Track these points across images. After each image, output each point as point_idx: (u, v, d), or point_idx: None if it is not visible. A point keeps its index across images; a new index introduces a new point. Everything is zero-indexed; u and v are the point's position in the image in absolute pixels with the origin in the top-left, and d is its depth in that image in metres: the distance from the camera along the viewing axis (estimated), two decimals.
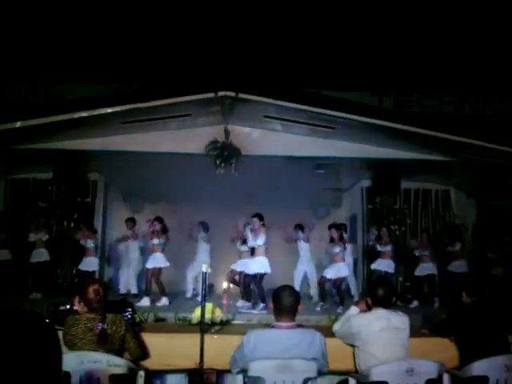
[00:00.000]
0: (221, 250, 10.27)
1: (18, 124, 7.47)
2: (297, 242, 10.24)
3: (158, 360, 4.39)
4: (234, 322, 5.88)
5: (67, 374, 3.29)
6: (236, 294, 9.37)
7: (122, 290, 10.39)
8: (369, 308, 4.18)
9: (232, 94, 7.37)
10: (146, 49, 12.52)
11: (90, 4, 12.22)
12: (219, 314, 5.34)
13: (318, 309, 8.61)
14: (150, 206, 11.70)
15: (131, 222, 10.30)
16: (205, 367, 4.24)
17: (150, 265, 9.13)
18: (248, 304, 8.64)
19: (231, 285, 9.47)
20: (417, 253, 10.03)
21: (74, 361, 3.38)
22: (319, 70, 12.38)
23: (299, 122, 8.15)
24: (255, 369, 3.40)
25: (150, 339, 4.47)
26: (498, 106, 12.59)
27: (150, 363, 4.27)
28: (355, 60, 12.70)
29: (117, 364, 3.52)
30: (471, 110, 12.59)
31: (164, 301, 8.87)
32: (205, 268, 4.28)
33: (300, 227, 10.23)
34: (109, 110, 7.50)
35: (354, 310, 4.42)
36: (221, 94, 7.38)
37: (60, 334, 3.41)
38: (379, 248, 9.73)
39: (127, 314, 4.93)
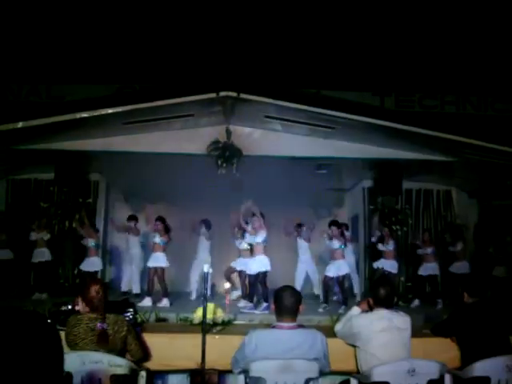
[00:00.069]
0: (222, 250, 10.27)
1: (20, 124, 7.47)
2: (297, 240, 10.26)
3: (159, 360, 4.39)
4: (236, 322, 5.89)
5: (69, 375, 3.29)
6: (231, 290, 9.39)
7: (124, 288, 10.40)
8: (370, 308, 4.18)
9: (233, 94, 7.37)
10: (148, 49, 12.53)
11: (91, 5, 12.23)
12: (221, 315, 5.34)
13: (321, 310, 8.60)
14: (152, 207, 11.70)
15: (133, 218, 10.35)
16: (206, 367, 4.23)
17: (151, 264, 9.15)
18: (250, 304, 8.64)
19: (228, 284, 9.48)
20: (419, 252, 10.04)
21: (75, 361, 3.39)
22: (320, 70, 12.38)
23: (300, 122, 8.16)
24: (257, 369, 3.40)
25: (152, 339, 4.47)
26: (499, 106, 12.57)
27: (151, 363, 4.28)
28: (356, 60, 12.69)
29: (118, 364, 3.52)
30: (473, 110, 12.58)
31: (165, 302, 8.85)
32: (206, 268, 4.27)
33: (300, 226, 10.26)
34: (110, 111, 7.51)
35: (355, 310, 4.43)
36: (222, 94, 7.38)
37: (62, 334, 3.42)
38: (381, 248, 9.72)
39: (129, 314, 4.93)
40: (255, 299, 8.78)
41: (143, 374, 3.70)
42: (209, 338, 4.32)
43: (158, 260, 9.11)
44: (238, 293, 9.90)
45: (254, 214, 8.79)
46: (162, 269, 9.12)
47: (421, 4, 12.42)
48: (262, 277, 8.67)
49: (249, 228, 8.89)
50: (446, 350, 4.48)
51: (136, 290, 10.09)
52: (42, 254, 9.89)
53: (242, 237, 9.34)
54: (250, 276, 8.93)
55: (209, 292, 9.41)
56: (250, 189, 9.55)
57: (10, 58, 12.06)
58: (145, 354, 4.11)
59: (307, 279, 10.31)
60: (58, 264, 10.40)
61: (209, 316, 4.78)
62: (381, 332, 3.86)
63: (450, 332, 4.51)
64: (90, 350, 3.59)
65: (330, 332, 4.32)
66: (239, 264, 9.37)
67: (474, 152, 8.05)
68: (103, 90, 11.17)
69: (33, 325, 1.26)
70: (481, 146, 7.79)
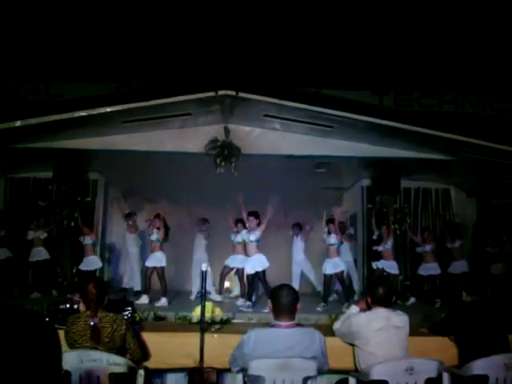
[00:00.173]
0: (221, 250, 10.26)
1: (19, 123, 7.47)
2: (293, 240, 10.30)
3: (157, 359, 4.39)
4: (234, 320, 5.89)
5: (67, 373, 3.30)
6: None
7: (125, 286, 10.43)
8: (369, 307, 4.19)
9: (232, 92, 7.37)
10: (146, 48, 12.51)
11: (90, 3, 12.22)
12: (219, 313, 5.34)
13: (319, 309, 8.60)
14: (150, 206, 11.72)
15: (131, 216, 10.37)
16: (205, 366, 4.25)
17: (149, 263, 9.14)
18: (248, 303, 8.65)
19: (227, 282, 9.50)
20: (418, 250, 10.04)
21: (73, 359, 3.39)
22: (319, 68, 12.37)
23: (299, 120, 8.16)
24: (255, 368, 3.40)
25: (150, 338, 4.48)
26: (498, 105, 12.57)
27: (149, 362, 4.27)
28: (355, 59, 12.69)
29: (117, 363, 3.52)
30: (471, 109, 12.58)
31: (163, 301, 8.84)
32: (204, 267, 4.28)
33: (298, 226, 10.28)
34: (109, 109, 7.51)
35: (354, 309, 4.44)
36: (221, 92, 7.39)
37: (60, 333, 3.42)
38: (380, 248, 9.72)
39: (127, 312, 4.93)
40: (254, 298, 8.81)
41: (141, 372, 3.70)
42: (207, 336, 4.34)
43: (157, 259, 9.10)
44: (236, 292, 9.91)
45: (249, 214, 8.85)
46: (162, 267, 9.11)
47: (419, 3, 12.42)
48: (261, 275, 8.70)
49: (250, 224, 8.92)
50: (444, 348, 4.49)
51: (137, 287, 10.08)
52: (39, 253, 9.90)
53: (238, 232, 9.35)
54: (247, 276, 8.95)
55: (212, 290, 9.47)
56: (248, 187, 9.57)
57: (9, 57, 12.04)
58: (144, 353, 4.11)
59: (305, 278, 10.32)
60: (57, 263, 10.39)
61: (207, 315, 4.78)
62: (379, 331, 3.87)
63: (448, 331, 4.52)
64: (89, 347, 3.61)
65: (328, 331, 4.33)
66: (232, 261, 9.35)
67: (472, 151, 8.06)
68: (102, 88, 11.15)
69: (31, 323, 1.27)
70: (479, 145, 7.81)
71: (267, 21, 12.37)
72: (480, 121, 12.17)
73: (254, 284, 8.97)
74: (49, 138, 8.35)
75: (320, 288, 9.98)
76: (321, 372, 3.57)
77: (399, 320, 3.97)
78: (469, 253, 10.47)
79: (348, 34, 12.61)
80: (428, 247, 9.84)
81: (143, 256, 10.19)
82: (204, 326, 4.33)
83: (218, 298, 9.24)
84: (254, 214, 8.87)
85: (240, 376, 3.59)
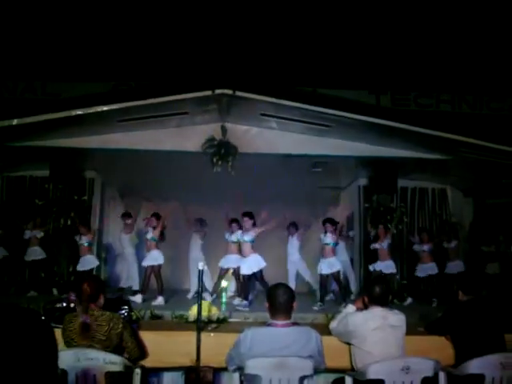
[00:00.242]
0: (217, 249, 10.25)
1: (15, 121, 7.45)
2: (288, 240, 10.31)
3: (154, 357, 4.38)
4: (231, 319, 5.89)
5: (63, 372, 3.29)
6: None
7: (123, 285, 10.43)
8: (365, 306, 4.19)
9: (229, 91, 7.38)
10: (144, 47, 12.50)
11: (87, 1, 12.20)
12: (216, 312, 5.34)
13: (316, 308, 8.61)
14: (147, 205, 11.72)
15: (127, 216, 10.36)
16: (201, 365, 4.23)
17: (147, 262, 9.13)
18: (245, 302, 8.65)
19: (225, 281, 9.47)
20: (415, 248, 10.04)
21: (70, 358, 3.39)
22: (316, 68, 12.38)
23: (296, 120, 8.16)
24: (251, 366, 3.40)
25: (147, 337, 4.47)
26: (495, 105, 12.62)
27: (146, 361, 4.27)
28: (353, 58, 12.70)
29: (113, 361, 3.52)
30: (468, 108, 12.62)
31: (160, 300, 8.83)
32: (201, 265, 4.27)
33: (294, 226, 10.28)
34: (106, 108, 7.50)
35: (350, 308, 4.43)
36: (218, 91, 7.39)
37: (57, 331, 3.42)
38: (377, 246, 9.73)
39: (123, 311, 4.93)
40: (251, 297, 8.81)
41: (138, 371, 3.70)
42: (204, 335, 4.32)
43: (154, 258, 9.09)
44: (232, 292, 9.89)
45: (244, 215, 8.87)
46: (159, 265, 9.10)
47: (417, 3, 12.43)
48: (258, 274, 8.71)
49: (245, 225, 8.93)
50: (441, 347, 4.49)
51: (136, 287, 10.03)
52: (35, 253, 9.89)
53: (232, 232, 9.34)
54: (243, 275, 8.95)
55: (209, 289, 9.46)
56: (244, 187, 9.58)
57: (6, 55, 12.01)
58: (142, 352, 4.11)
59: (301, 278, 10.33)
60: (53, 262, 10.36)
61: (204, 313, 4.78)
62: (375, 330, 3.87)
63: (444, 330, 4.52)
64: (86, 346, 3.62)
65: (324, 330, 4.33)
66: (226, 262, 9.31)
67: (469, 150, 8.07)
68: (99, 87, 11.16)
69: (27, 321, 1.26)
70: (476, 145, 7.82)
71: (264, 20, 12.37)
72: (477, 120, 12.21)
73: (249, 283, 8.98)
74: (45, 137, 8.33)
75: (316, 287, 9.99)
76: (317, 371, 3.57)
77: (396, 319, 3.98)
78: (465, 252, 10.49)
79: (345, 34, 12.62)
80: (426, 247, 9.83)
81: (140, 255, 10.17)
82: (200, 325, 4.31)
83: (209, 298, 9.22)
84: (249, 215, 8.90)
85: (236, 375, 3.59)
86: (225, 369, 3.98)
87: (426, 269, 9.80)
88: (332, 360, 3.91)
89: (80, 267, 9.57)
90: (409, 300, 9.74)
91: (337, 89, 11.09)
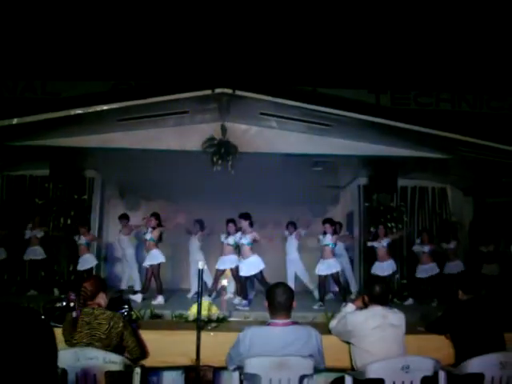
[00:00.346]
0: (218, 249, 10.25)
1: (15, 121, 7.45)
2: (287, 239, 10.32)
3: (154, 357, 4.38)
4: (231, 319, 5.89)
5: (63, 371, 3.30)
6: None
7: (124, 286, 10.42)
8: (365, 305, 4.19)
9: (229, 90, 7.37)
10: (144, 46, 12.49)
11: (87, 1, 12.19)
12: (215, 311, 5.34)
13: (316, 307, 8.61)
14: (147, 204, 11.72)
15: (124, 218, 10.35)
16: (201, 364, 4.24)
17: (148, 262, 9.13)
18: (244, 301, 8.66)
19: (225, 281, 9.48)
20: (416, 248, 10.03)
21: (70, 357, 3.39)
22: (316, 67, 12.37)
23: (296, 119, 8.16)
24: (251, 366, 3.40)
25: (147, 336, 4.47)
26: (495, 104, 12.60)
27: (146, 360, 4.27)
28: (352, 57, 12.69)
29: (113, 361, 3.52)
30: (468, 107, 12.60)
31: (159, 299, 8.84)
32: (201, 265, 4.27)
33: (293, 225, 10.28)
34: (105, 107, 7.49)
35: (350, 307, 4.43)
36: (218, 90, 7.38)
37: (57, 331, 3.42)
38: (376, 244, 9.72)
39: (123, 311, 4.93)
40: (251, 296, 8.82)
41: (138, 370, 3.70)
42: (203, 334, 4.33)
43: (155, 257, 9.09)
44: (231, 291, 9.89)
45: (241, 216, 8.88)
46: (158, 265, 9.10)
47: (417, 2, 12.42)
48: (259, 276, 8.72)
49: (242, 226, 8.94)
50: (441, 346, 4.49)
51: (137, 287, 10.02)
52: (35, 252, 9.89)
53: (229, 233, 9.33)
54: (241, 276, 8.96)
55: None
56: (244, 186, 9.58)
57: (6, 54, 12.01)
58: (143, 351, 4.11)
59: (298, 279, 10.33)
60: (53, 261, 10.36)
61: (204, 313, 4.78)
62: (375, 329, 3.88)
63: (444, 329, 4.52)
64: (86, 344, 3.64)
65: (324, 329, 4.33)
66: (222, 264, 9.28)
67: (469, 149, 8.07)
68: (99, 86, 11.15)
69: (26, 321, 1.26)
70: (476, 144, 7.81)
71: (264, 19, 12.36)
72: (477, 119, 12.20)
73: (247, 283, 9.01)
74: (45, 136, 8.33)
75: (312, 288, 9.99)
76: (317, 370, 3.57)
77: (395, 318, 3.98)
78: (466, 251, 10.48)
79: (345, 33, 12.61)
80: (426, 248, 9.82)
81: (140, 255, 10.17)
82: (200, 324, 4.32)
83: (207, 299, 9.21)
84: (244, 216, 8.90)
85: (236, 374, 3.59)
86: (225, 368, 3.98)
87: (427, 269, 9.77)
88: (332, 359, 3.91)
89: (80, 267, 9.60)
90: (409, 300, 9.74)
91: (336, 88, 11.08)
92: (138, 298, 8.83)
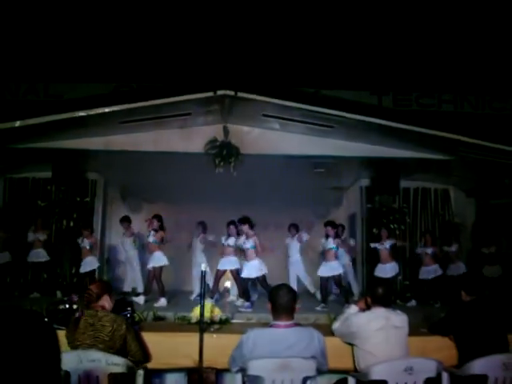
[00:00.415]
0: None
1: (18, 123, 7.46)
2: (289, 240, 10.31)
3: (157, 359, 4.38)
4: (233, 321, 5.89)
5: (66, 373, 3.30)
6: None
7: (127, 288, 10.41)
8: (368, 307, 4.19)
9: (231, 92, 7.37)
10: (145, 48, 12.51)
11: (89, 3, 12.21)
12: (218, 313, 5.34)
13: (319, 309, 8.60)
14: (150, 206, 11.71)
15: (126, 220, 10.36)
16: (204, 366, 4.24)
17: (151, 264, 9.12)
18: (247, 303, 8.65)
19: (228, 282, 9.48)
20: (419, 250, 10.02)
21: (73, 360, 3.39)
22: (318, 69, 12.38)
23: (298, 120, 8.15)
24: (254, 368, 3.40)
25: (149, 338, 4.47)
26: (497, 105, 12.60)
27: (149, 362, 4.27)
28: (354, 59, 12.70)
29: (116, 363, 3.52)
30: (470, 108, 12.60)
31: (162, 301, 8.83)
32: (204, 267, 4.28)
33: (295, 227, 10.26)
34: (108, 110, 7.50)
35: (353, 308, 4.43)
36: (220, 92, 7.39)
37: (60, 333, 3.43)
38: (378, 246, 9.71)
39: (126, 313, 4.93)
40: (253, 298, 8.82)
41: (141, 372, 3.70)
42: (206, 336, 4.33)
43: (158, 259, 9.08)
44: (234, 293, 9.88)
45: (240, 221, 8.89)
46: (160, 267, 9.10)
47: (419, 3, 12.42)
48: (261, 279, 8.72)
49: (243, 230, 8.95)
50: (444, 348, 4.48)
51: (140, 289, 10.00)
52: (38, 255, 9.91)
53: (229, 235, 9.34)
54: (243, 279, 8.96)
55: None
56: (247, 188, 9.57)
57: (8, 57, 12.04)
58: (145, 354, 4.11)
59: (300, 281, 10.31)
60: (56, 263, 10.36)
61: (206, 315, 4.78)
62: (378, 330, 3.87)
63: (447, 330, 4.51)
64: (89, 345, 3.64)
65: (327, 330, 4.33)
66: (222, 265, 9.27)
67: (471, 150, 8.06)
68: (101, 88, 11.17)
69: (30, 323, 1.26)
70: (478, 145, 7.81)
71: (266, 21, 12.37)
72: (479, 120, 12.19)
73: (249, 284, 9.01)
74: (48, 138, 8.35)
75: (314, 290, 9.98)
76: (320, 372, 3.56)
77: (399, 320, 3.97)
78: (468, 253, 10.46)
79: (347, 35, 12.62)
80: (429, 250, 9.80)
81: (143, 257, 10.18)
82: (203, 326, 4.32)
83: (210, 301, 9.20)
84: (243, 221, 8.91)
85: (239, 376, 3.59)
86: (227, 370, 3.98)
87: (430, 271, 9.75)
88: (335, 361, 3.90)
89: (82, 270, 9.61)
90: (412, 302, 9.72)
91: (338, 89, 11.09)
92: (140, 299, 8.83)
